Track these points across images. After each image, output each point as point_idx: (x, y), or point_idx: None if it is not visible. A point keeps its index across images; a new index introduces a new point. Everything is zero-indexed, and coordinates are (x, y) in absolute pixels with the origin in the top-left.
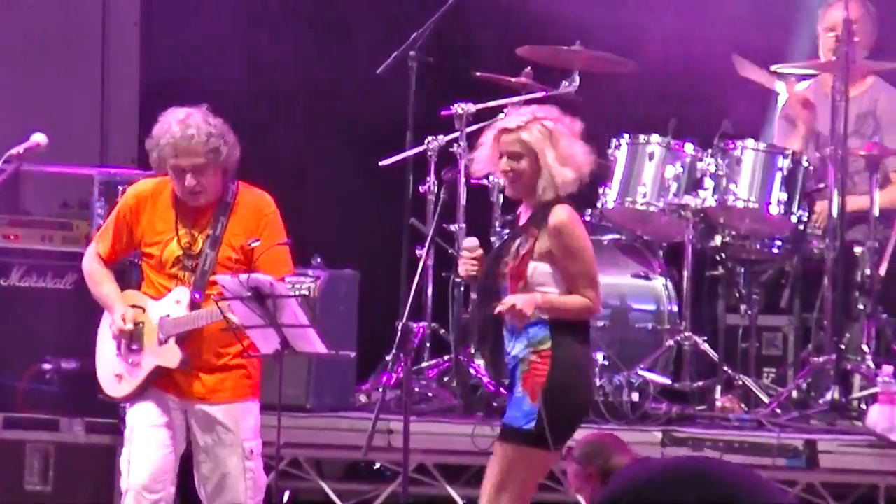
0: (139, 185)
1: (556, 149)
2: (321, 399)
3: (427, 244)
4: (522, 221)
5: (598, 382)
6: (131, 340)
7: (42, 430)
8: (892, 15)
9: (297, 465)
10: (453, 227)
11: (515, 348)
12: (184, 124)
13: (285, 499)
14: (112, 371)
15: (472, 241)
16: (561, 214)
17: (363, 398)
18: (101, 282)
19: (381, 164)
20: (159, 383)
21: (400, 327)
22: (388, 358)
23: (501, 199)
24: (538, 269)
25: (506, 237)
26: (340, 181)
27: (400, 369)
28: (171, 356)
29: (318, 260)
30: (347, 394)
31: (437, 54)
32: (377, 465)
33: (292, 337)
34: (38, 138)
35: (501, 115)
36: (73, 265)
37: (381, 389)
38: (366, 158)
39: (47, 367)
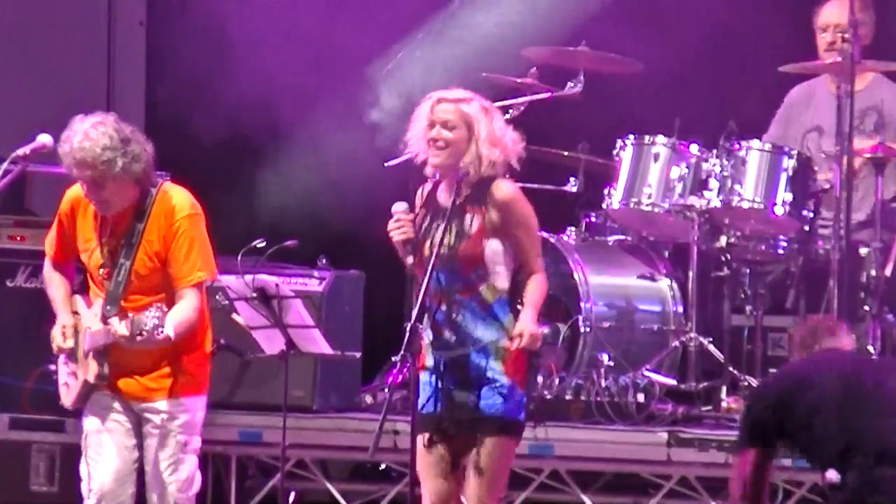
0: (73, 189)
1: (490, 127)
2: (327, 400)
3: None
4: (449, 200)
5: (603, 383)
6: (72, 352)
7: (48, 431)
8: (893, 15)
9: (303, 466)
10: None
11: (484, 334)
12: (80, 135)
13: (291, 499)
14: (62, 380)
15: (401, 205)
16: (507, 187)
17: (369, 399)
18: (48, 286)
19: (386, 164)
20: (105, 386)
21: (407, 328)
22: (394, 358)
23: None
24: (491, 247)
25: (430, 219)
26: (346, 182)
27: (406, 370)
28: (90, 370)
29: (324, 261)
30: (353, 394)
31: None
32: (383, 466)
33: (297, 337)
34: (44, 139)
35: (507, 116)
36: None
37: (386, 390)
38: (372, 159)
39: (53, 368)
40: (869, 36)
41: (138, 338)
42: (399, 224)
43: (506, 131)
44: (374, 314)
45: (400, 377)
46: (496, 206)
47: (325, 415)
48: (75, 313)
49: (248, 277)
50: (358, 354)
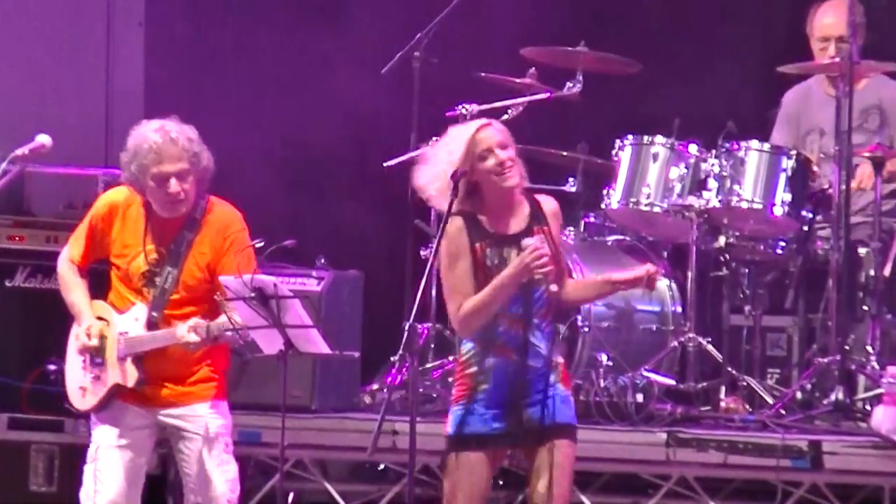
0: (111, 194)
1: None
2: (326, 400)
3: (435, 245)
4: (507, 226)
5: (602, 383)
6: (95, 354)
7: (47, 431)
8: (893, 15)
9: (302, 467)
10: None
11: (546, 351)
12: (163, 131)
13: (290, 500)
14: (77, 383)
15: (529, 241)
16: (552, 200)
17: (367, 399)
18: (72, 289)
19: (385, 165)
20: (127, 397)
21: (406, 328)
22: (392, 359)
23: None
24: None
25: (496, 250)
26: (345, 182)
27: (405, 370)
28: (129, 376)
29: (323, 261)
30: (352, 395)
31: (442, 55)
32: (382, 466)
33: (296, 338)
34: (43, 139)
35: (506, 116)
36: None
37: (385, 390)
38: (370, 159)
39: (52, 367)
40: (862, 38)
41: (207, 343)
42: (542, 253)
43: None
44: (373, 314)
45: (399, 377)
46: (552, 221)
47: (324, 415)
48: (99, 318)
49: (247, 277)
50: (357, 354)
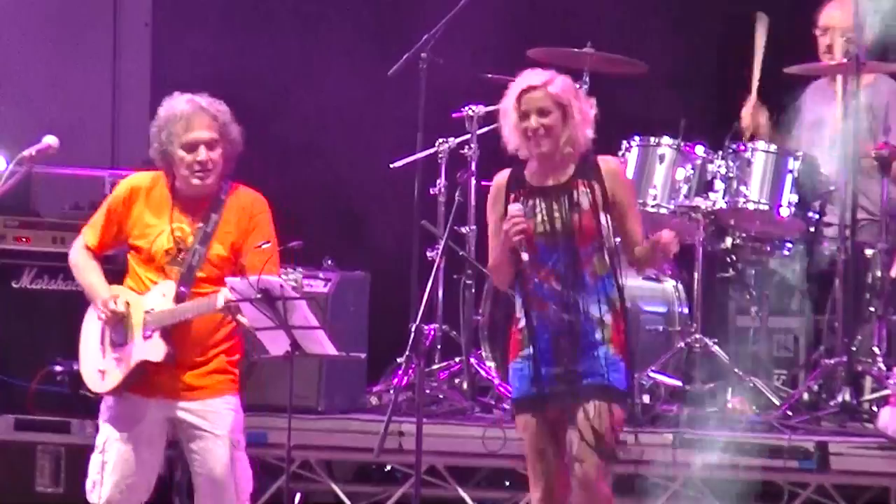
0: (134, 177)
1: (580, 104)
2: (332, 401)
3: (441, 246)
4: (547, 180)
5: None
6: (116, 333)
7: (53, 432)
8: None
9: (308, 467)
10: (464, 230)
11: (591, 308)
12: (193, 101)
13: (296, 501)
14: (95, 367)
15: (518, 206)
16: (614, 161)
17: (374, 400)
18: (88, 271)
19: (391, 165)
20: (140, 388)
21: (413, 329)
22: (399, 360)
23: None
24: (604, 221)
25: (529, 202)
26: (351, 183)
27: (411, 371)
28: (157, 350)
29: (329, 262)
30: (358, 395)
31: (448, 56)
32: (388, 467)
33: (302, 338)
34: (50, 140)
35: None
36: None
37: (392, 391)
38: (377, 160)
39: (58, 368)
40: (867, 37)
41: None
42: (517, 221)
43: (588, 103)
44: (380, 315)
45: (405, 378)
46: (609, 179)
47: (331, 416)
48: None
49: (253, 278)
50: (363, 355)
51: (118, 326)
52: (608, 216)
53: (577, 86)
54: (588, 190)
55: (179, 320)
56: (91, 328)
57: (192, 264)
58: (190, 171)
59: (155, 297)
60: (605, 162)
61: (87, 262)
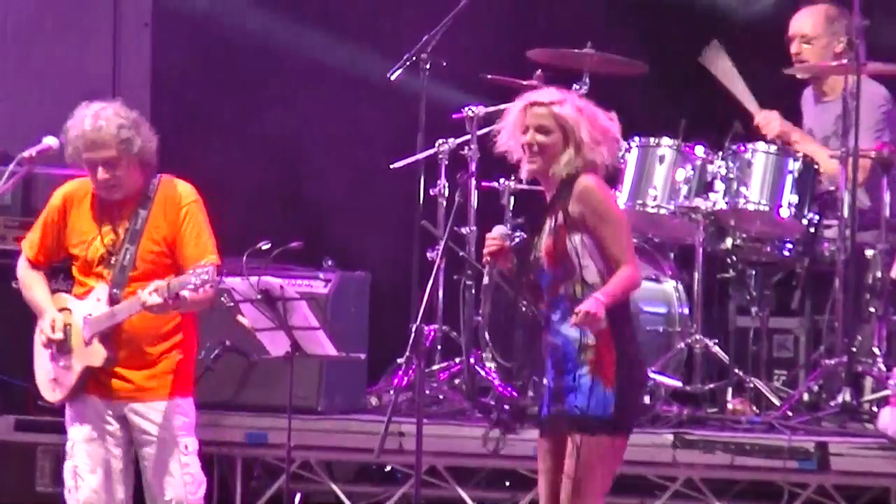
0: (66, 186)
1: (590, 127)
2: (332, 401)
3: (442, 247)
4: (548, 196)
5: None
6: (61, 345)
7: (53, 433)
8: (893, 16)
9: (308, 468)
10: (464, 231)
11: (571, 332)
12: (94, 117)
13: (297, 501)
14: (47, 376)
15: (500, 228)
16: (586, 180)
17: (374, 400)
18: (31, 286)
19: (392, 166)
20: (93, 388)
21: (413, 329)
22: (399, 360)
23: (513, 203)
24: (574, 242)
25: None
26: (352, 183)
27: (412, 371)
28: (96, 355)
29: (330, 262)
30: (358, 396)
31: (449, 57)
32: (388, 468)
33: (302, 339)
34: (50, 141)
35: None
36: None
37: (392, 392)
38: (377, 161)
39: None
40: (835, 45)
41: (173, 301)
42: (489, 244)
43: (607, 128)
44: (380, 316)
45: (405, 379)
46: (575, 199)
47: (331, 416)
48: (63, 310)
49: (253, 279)
50: (363, 356)
51: (61, 341)
52: (583, 237)
53: (603, 114)
54: (560, 211)
55: (115, 323)
56: (40, 339)
57: (123, 265)
58: (97, 187)
59: (91, 303)
60: (580, 182)
61: (31, 277)
